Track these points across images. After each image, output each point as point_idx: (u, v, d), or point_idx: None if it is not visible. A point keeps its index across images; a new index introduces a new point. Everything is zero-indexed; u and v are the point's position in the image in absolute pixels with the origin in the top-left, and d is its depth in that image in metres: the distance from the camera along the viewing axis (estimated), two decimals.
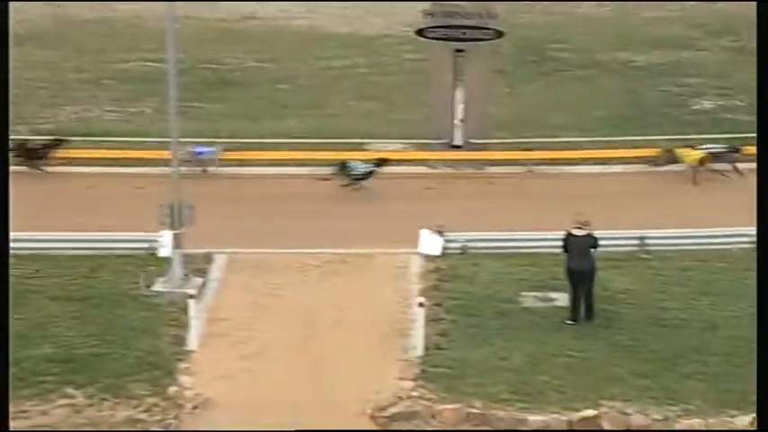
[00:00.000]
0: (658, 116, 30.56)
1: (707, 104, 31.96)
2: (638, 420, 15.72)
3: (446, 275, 20.35)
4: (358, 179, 25.02)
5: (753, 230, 21.51)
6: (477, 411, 15.96)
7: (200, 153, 25.96)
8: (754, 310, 18.68)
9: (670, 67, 35.60)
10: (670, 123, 29.55)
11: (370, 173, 25.09)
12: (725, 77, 34.21)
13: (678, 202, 24.48)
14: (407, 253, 21.31)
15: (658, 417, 15.76)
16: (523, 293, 19.42)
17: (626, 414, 15.81)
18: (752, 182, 25.60)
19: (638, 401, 16.03)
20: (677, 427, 15.63)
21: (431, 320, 18.25)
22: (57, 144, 25.98)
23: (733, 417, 15.68)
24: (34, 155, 25.65)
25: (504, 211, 23.77)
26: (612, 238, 20.33)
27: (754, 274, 20.15)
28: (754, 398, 15.98)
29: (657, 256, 21.10)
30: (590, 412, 15.84)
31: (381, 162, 25.39)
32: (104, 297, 19.22)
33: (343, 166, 25.22)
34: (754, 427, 15.46)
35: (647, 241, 21.40)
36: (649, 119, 30.13)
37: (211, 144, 26.27)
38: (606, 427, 15.71)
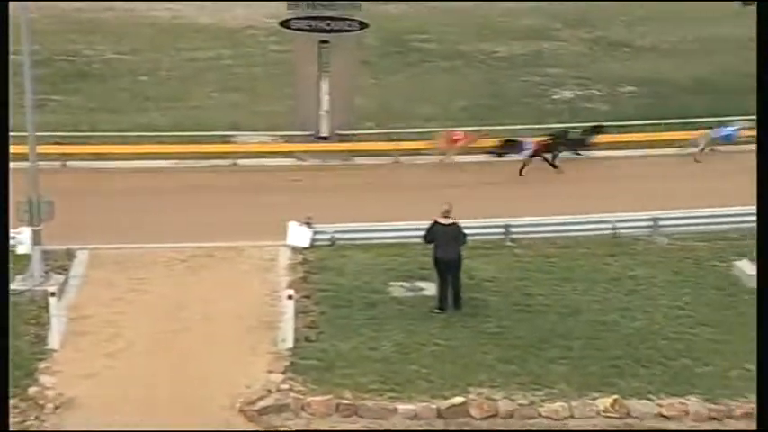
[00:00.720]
0: (520, 106, 31.12)
1: (566, 94, 32.68)
2: (504, 406, 15.95)
3: (315, 267, 20.31)
4: None
5: (612, 217, 22.20)
6: (346, 402, 15.97)
7: (725, 135, 26.38)
8: (614, 294, 19.25)
9: (530, 57, 36.30)
10: (531, 113, 30.11)
11: None
12: (582, 68, 35.06)
13: (540, 190, 24.96)
14: (276, 245, 21.18)
15: (524, 402, 16.02)
16: (392, 283, 19.51)
17: (493, 400, 16.03)
18: (615, 172, 26.45)
19: (505, 387, 16.27)
20: (541, 411, 15.92)
21: (300, 312, 18.18)
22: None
23: (594, 399, 16.04)
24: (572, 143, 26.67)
25: (373, 202, 23.86)
26: (478, 226, 20.60)
27: (613, 260, 20.78)
28: (614, 379, 16.44)
29: (522, 244, 21.46)
30: (458, 399, 16.01)
31: None
32: None
33: None
34: (615, 408, 15.87)
35: (512, 229, 21.74)
36: (511, 108, 30.65)
37: (731, 123, 26.82)
38: (474, 413, 15.90)
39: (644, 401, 16.00)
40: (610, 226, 21.96)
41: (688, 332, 17.75)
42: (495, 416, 15.85)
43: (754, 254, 19.78)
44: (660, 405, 15.92)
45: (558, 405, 15.95)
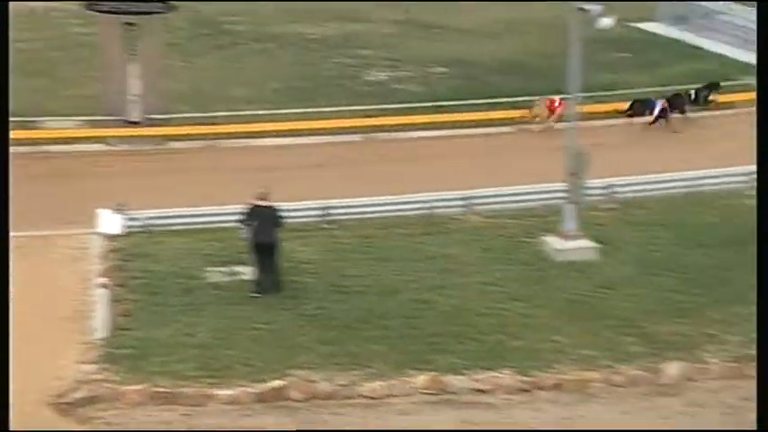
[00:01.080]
0: (334, 87, 31.18)
1: (379, 76, 32.94)
2: (324, 387, 16.01)
3: (129, 255, 19.86)
4: None
5: (427, 196, 22.51)
6: (163, 390, 15.70)
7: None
8: (430, 272, 19.55)
9: (343, 39, 36.38)
10: (346, 95, 30.23)
11: None
12: (394, 49, 35.36)
13: (357, 171, 25.14)
14: (87, 233, 20.60)
15: (344, 382, 16.11)
16: (209, 269, 19.27)
17: (312, 382, 16.06)
18: (429, 151, 26.85)
19: (325, 368, 16.32)
20: (360, 390, 16.03)
21: (114, 301, 17.76)
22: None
23: (412, 376, 16.26)
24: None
25: (188, 187, 23.49)
26: (296, 209, 20.56)
27: (430, 239, 21.10)
28: (432, 357, 16.70)
29: (340, 225, 21.55)
30: (278, 383, 15.98)
31: None
32: None
33: None
34: (432, 385, 16.14)
35: (330, 211, 21.80)
36: (325, 90, 30.69)
37: None
38: (294, 396, 15.90)
39: (460, 377, 16.33)
40: (425, 205, 22.29)
41: (500, 308, 18.20)
42: (314, 397, 15.89)
43: (561, 229, 20.52)
44: (475, 380, 16.28)
45: (376, 384, 16.10)
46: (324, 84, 31.50)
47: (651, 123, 28.09)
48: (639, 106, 28.32)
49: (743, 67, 32.17)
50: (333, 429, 15.34)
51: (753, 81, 29.59)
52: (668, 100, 28.30)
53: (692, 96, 28.80)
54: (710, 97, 29.00)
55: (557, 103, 27.84)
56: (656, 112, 28.06)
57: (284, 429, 15.20)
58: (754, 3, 22.18)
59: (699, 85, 29.03)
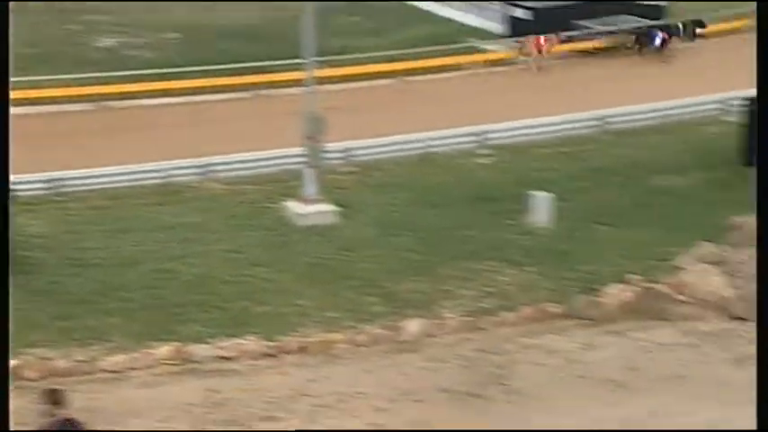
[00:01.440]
0: (60, 55, 29.97)
1: (109, 42, 31.95)
2: (60, 364, 15.41)
3: None
4: None
5: (164, 165, 22.03)
6: None
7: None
8: (170, 242, 19.16)
9: (68, 4, 35.01)
10: (73, 62, 29.12)
11: None
12: (122, 14, 34.38)
13: (88, 141, 24.32)
14: None
15: (82, 357, 15.56)
16: None
17: (48, 359, 15.43)
18: (164, 119, 26.26)
19: (62, 345, 15.72)
20: (101, 365, 15.54)
21: None
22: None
23: (154, 348, 15.90)
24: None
25: None
26: (24, 182, 19.68)
27: (168, 208, 20.69)
28: (175, 327, 16.38)
29: (72, 197, 20.78)
30: (11, 362, 15.22)
31: None
32: None
33: None
34: (175, 355, 15.85)
35: (61, 183, 21.01)
36: (51, 57, 29.45)
37: None
38: (29, 375, 15.21)
39: (204, 346, 16.10)
40: (161, 174, 21.84)
41: (244, 274, 18.09)
42: (51, 375, 15.25)
43: (302, 194, 20.60)
44: (220, 347, 16.10)
45: (117, 357, 15.65)
46: (49, 50, 30.23)
47: (660, 49, 30.97)
48: (644, 38, 31.05)
49: (471, 30, 33.38)
50: (335, 429, 14.67)
51: (478, 43, 31.44)
52: (665, 30, 31.27)
53: (681, 30, 31.63)
54: (696, 32, 31.97)
55: (542, 41, 30.29)
56: (658, 41, 31.02)
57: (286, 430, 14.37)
58: None
59: (687, 20, 31.84)
